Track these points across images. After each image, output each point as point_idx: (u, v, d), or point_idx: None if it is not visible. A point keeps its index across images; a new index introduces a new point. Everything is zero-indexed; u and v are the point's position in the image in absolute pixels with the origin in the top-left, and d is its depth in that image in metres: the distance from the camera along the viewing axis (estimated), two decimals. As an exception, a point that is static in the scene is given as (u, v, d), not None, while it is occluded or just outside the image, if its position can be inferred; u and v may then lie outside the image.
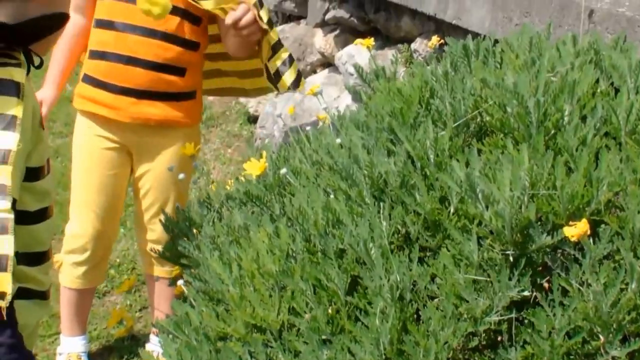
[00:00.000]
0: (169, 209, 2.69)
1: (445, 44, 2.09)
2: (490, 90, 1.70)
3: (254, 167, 1.86)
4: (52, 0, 1.61)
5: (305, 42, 4.64)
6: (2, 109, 1.50)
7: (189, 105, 2.78)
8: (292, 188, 1.85)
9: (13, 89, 1.52)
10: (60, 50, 2.80)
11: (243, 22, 2.56)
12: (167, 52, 2.65)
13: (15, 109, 1.50)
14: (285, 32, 4.77)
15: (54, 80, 2.84)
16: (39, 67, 1.69)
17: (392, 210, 1.52)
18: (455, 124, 1.67)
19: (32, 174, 1.60)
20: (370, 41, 2.23)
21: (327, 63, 4.54)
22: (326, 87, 4.29)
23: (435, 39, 2.14)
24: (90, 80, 2.72)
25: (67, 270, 2.88)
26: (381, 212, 1.51)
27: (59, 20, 1.64)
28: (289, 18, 5.00)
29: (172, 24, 2.62)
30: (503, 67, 1.91)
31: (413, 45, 3.41)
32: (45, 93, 2.81)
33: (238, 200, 1.99)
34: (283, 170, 1.89)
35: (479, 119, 1.73)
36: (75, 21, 2.69)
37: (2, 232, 1.45)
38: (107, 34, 2.66)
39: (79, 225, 2.82)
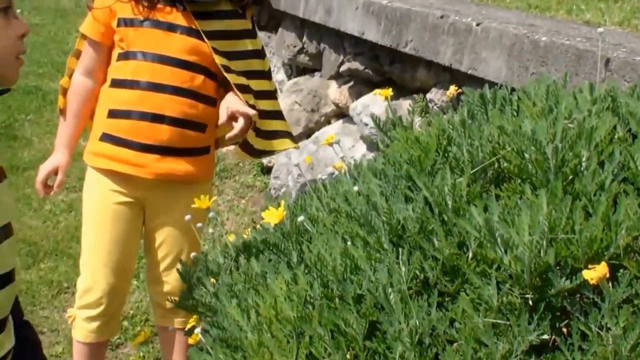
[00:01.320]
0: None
1: (462, 93, 2.10)
2: (507, 137, 1.70)
3: (272, 216, 1.86)
4: None
5: (320, 94, 4.68)
6: None
7: (207, 159, 2.83)
8: (310, 235, 1.85)
9: None
10: (71, 114, 2.85)
11: (236, 131, 2.63)
12: (193, 109, 2.70)
13: None
14: (299, 84, 4.82)
15: (66, 144, 2.88)
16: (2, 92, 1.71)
17: (411, 255, 1.52)
18: (473, 171, 1.68)
19: None
20: (389, 91, 2.24)
21: (342, 114, 4.57)
22: (340, 137, 4.31)
23: (452, 89, 2.15)
24: (110, 139, 2.73)
25: (81, 325, 2.88)
26: (400, 257, 1.50)
27: None
28: (303, 70, 5.05)
29: (197, 81, 2.67)
30: (520, 115, 1.92)
31: (428, 95, 3.43)
32: (60, 159, 2.86)
33: (255, 248, 1.99)
34: (300, 218, 1.89)
35: (496, 166, 1.73)
36: (85, 85, 2.80)
37: None
38: (129, 93, 2.69)
39: (92, 280, 2.81)
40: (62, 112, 2.89)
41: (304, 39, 4.85)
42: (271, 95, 2.89)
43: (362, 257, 1.55)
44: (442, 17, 3.14)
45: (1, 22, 1.60)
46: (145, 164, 2.70)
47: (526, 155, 1.64)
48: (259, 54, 2.83)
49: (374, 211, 1.65)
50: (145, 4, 2.64)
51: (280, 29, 5.26)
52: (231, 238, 2.21)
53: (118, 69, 2.73)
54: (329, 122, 4.70)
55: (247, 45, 2.77)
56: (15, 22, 1.64)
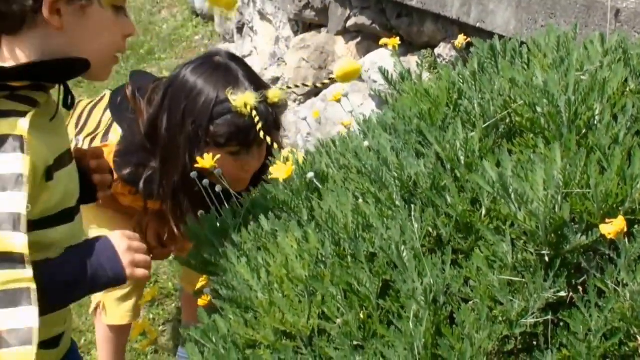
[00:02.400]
0: None
1: (471, 44, 2.07)
2: (519, 90, 1.67)
3: (280, 171, 1.84)
4: (74, 41, 1.60)
5: (327, 50, 4.63)
6: (5, 169, 1.45)
7: None
8: (320, 192, 1.82)
9: (16, 145, 1.47)
10: None
11: None
12: None
13: (21, 167, 1.46)
14: (306, 40, 4.76)
15: None
16: (70, 106, 1.70)
17: (423, 212, 1.50)
18: (485, 125, 1.65)
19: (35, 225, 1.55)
20: (396, 41, 2.21)
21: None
22: (349, 94, 4.27)
23: (462, 38, 2.11)
24: None
25: (114, 308, 2.88)
26: (412, 214, 1.48)
27: (81, 66, 1.63)
28: (309, 26, 4.99)
29: None
30: (531, 67, 1.89)
31: (437, 51, 3.38)
32: None
33: (264, 206, 1.97)
34: (310, 175, 1.86)
35: (508, 120, 1.70)
36: None
37: (27, 303, 1.42)
38: None
39: None
40: None
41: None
42: None
43: (373, 214, 1.54)
44: (449, -32, 3.09)
45: (112, 18, 1.64)
46: None
47: (538, 109, 1.61)
48: None
49: (385, 167, 1.63)
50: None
51: (285, -17, 5.21)
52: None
53: None
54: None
55: None
56: (124, 21, 1.67)
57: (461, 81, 1.85)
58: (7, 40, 1.58)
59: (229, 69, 2.39)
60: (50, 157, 1.57)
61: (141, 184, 2.45)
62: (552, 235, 1.35)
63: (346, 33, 4.42)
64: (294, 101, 5.03)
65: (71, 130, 2.61)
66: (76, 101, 2.35)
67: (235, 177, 2.32)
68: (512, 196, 1.37)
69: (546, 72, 1.75)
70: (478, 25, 2.90)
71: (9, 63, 1.58)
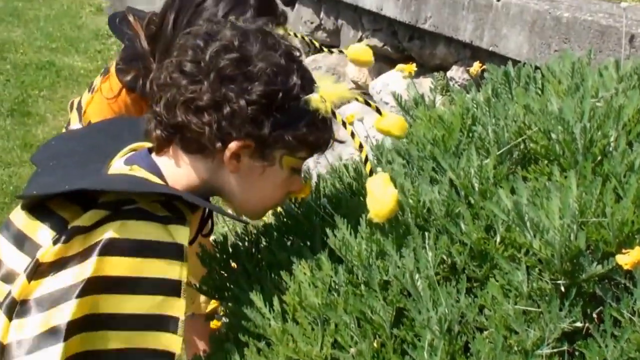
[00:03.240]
0: None
1: (484, 70, 2.07)
2: (534, 117, 1.67)
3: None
4: (240, 187, 1.65)
5: (338, 71, 4.65)
6: (167, 274, 1.51)
7: None
8: (333, 219, 1.82)
9: (177, 254, 1.52)
10: None
11: None
12: None
13: (180, 274, 1.52)
14: (317, 61, 4.79)
15: None
16: (208, 234, 1.79)
17: (437, 240, 1.49)
18: (500, 152, 1.64)
19: None
20: (412, 67, 2.21)
21: (361, 91, 4.54)
22: (361, 115, 4.28)
23: (477, 65, 2.11)
24: None
25: None
26: (426, 242, 1.48)
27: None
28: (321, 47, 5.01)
29: None
30: (545, 93, 1.88)
31: (449, 73, 3.39)
32: None
33: (277, 231, 1.96)
34: (323, 201, 1.86)
35: (522, 146, 1.70)
36: None
37: None
38: None
39: None
40: None
41: (321, 14, 4.81)
42: None
43: (387, 241, 1.53)
44: (461, -8, 3.10)
45: (286, 177, 1.66)
46: None
47: (553, 136, 1.61)
48: None
49: (400, 193, 1.62)
50: None
51: (297, 5, 5.21)
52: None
53: None
54: (348, 101, 4.67)
55: None
56: (295, 179, 1.71)
57: (475, 107, 1.85)
58: (181, 152, 1.62)
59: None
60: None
61: (147, 86, 2.47)
62: (568, 264, 1.34)
63: (358, 55, 4.43)
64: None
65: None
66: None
67: None
68: (528, 224, 1.36)
69: (561, 98, 1.74)
70: (491, 49, 2.90)
71: (172, 163, 1.63)
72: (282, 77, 1.56)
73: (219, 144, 1.56)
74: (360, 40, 4.27)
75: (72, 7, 10.83)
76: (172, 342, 1.52)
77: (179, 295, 1.51)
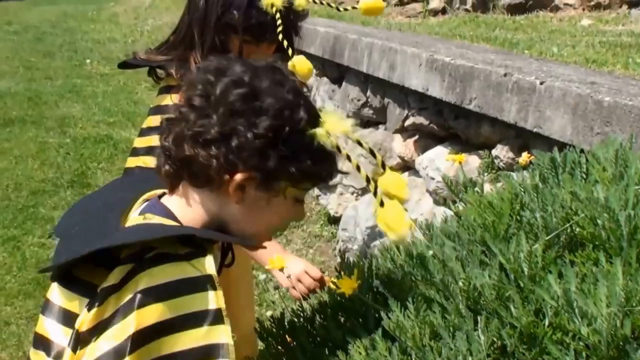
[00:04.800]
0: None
1: (530, 154, 2.14)
2: (580, 204, 1.74)
3: (346, 286, 1.90)
4: (245, 217, 1.68)
5: (385, 147, 4.74)
6: (205, 305, 1.54)
7: None
8: (386, 298, 1.89)
9: (208, 284, 1.56)
10: None
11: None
12: None
13: (217, 302, 1.55)
14: (364, 137, 4.88)
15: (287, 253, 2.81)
16: (230, 264, 1.81)
17: (489, 322, 1.56)
18: (548, 237, 1.72)
19: None
20: (462, 157, 2.30)
21: (407, 166, 4.62)
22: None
23: (525, 156, 2.20)
24: None
25: None
26: (478, 325, 1.55)
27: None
28: (367, 123, 5.12)
29: None
30: (590, 179, 1.96)
31: (494, 152, 3.46)
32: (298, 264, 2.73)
33: (331, 309, 2.04)
34: (376, 283, 1.94)
35: (569, 230, 1.77)
36: None
37: None
38: None
39: None
40: None
41: (368, 93, 4.92)
42: None
43: (441, 324, 1.60)
44: (505, 75, 3.19)
45: (289, 208, 1.71)
46: None
47: (599, 222, 1.68)
48: None
49: (451, 277, 1.70)
50: None
51: (344, 83, 5.35)
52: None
53: None
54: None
55: None
56: (297, 209, 1.75)
57: (523, 191, 1.92)
58: (190, 188, 1.68)
59: None
60: None
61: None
62: (614, 350, 1.40)
63: (404, 131, 4.52)
64: (352, 194, 5.13)
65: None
66: None
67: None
68: (576, 311, 1.43)
69: (606, 186, 1.82)
70: (535, 130, 2.97)
71: (182, 202, 1.68)
72: (288, 112, 1.60)
73: (226, 177, 1.60)
74: (406, 118, 4.36)
75: (128, 83, 11.18)
76: None
77: (222, 322, 1.54)
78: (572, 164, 2.04)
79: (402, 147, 4.55)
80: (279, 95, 1.61)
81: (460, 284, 1.66)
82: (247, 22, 2.54)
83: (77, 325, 1.54)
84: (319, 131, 1.61)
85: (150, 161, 2.70)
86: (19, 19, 14.49)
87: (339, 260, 5.00)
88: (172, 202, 1.70)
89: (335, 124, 1.64)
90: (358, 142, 1.71)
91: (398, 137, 4.62)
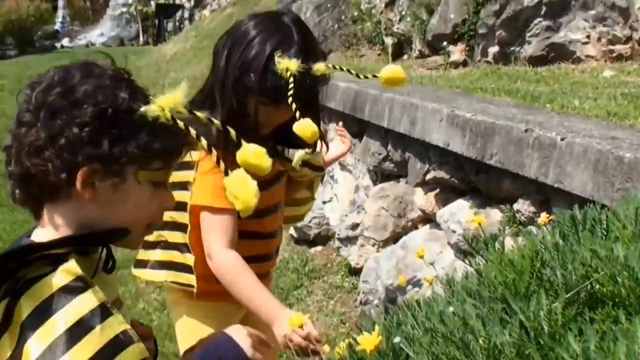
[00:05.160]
0: None
1: (550, 213, 2.16)
2: (600, 262, 1.76)
3: (368, 343, 1.92)
4: (107, 213, 1.66)
5: (406, 200, 4.76)
6: (87, 307, 1.53)
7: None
8: (406, 354, 1.91)
9: (81, 284, 1.55)
10: (259, 286, 2.70)
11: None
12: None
13: (96, 298, 1.54)
14: (385, 190, 4.92)
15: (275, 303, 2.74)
16: (111, 269, 1.75)
17: (510, 381, 1.57)
18: (568, 295, 1.73)
19: None
20: (482, 218, 2.32)
21: (428, 219, 4.64)
22: (428, 243, 4.38)
23: (544, 217, 2.21)
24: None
25: None
26: (499, 383, 1.56)
27: (120, 235, 1.71)
28: (388, 176, 5.15)
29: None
30: (610, 236, 1.97)
31: (515, 206, 3.47)
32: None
33: (351, 365, 2.05)
34: (396, 339, 1.95)
35: (589, 288, 1.78)
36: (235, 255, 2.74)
37: None
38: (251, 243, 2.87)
39: None
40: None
41: (389, 147, 4.96)
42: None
43: (462, 383, 1.61)
44: (526, 131, 3.21)
45: (148, 193, 1.69)
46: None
47: (619, 280, 1.69)
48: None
49: (472, 335, 1.71)
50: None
51: (364, 137, 5.39)
52: (326, 349, 2.28)
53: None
54: (415, 227, 4.77)
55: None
56: (162, 194, 1.73)
57: (543, 248, 1.94)
58: (47, 207, 1.66)
59: (288, 32, 2.64)
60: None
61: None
62: (635, 408, 1.41)
63: (425, 184, 4.55)
64: (373, 245, 5.15)
65: None
66: None
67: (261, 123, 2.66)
68: (596, 370, 1.44)
69: (626, 244, 1.83)
70: (556, 185, 2.99)
71: (47, 228, 1.66)
72: (108, 95, 1.59)
73: (63, 175, 1.58)
74: (427, 172, 4.39)
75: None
76: (138, 350, 1.55)
77: (110, 314, 1.53)
78: (592, 221, 2.05)
79: (423, 200, 4.57)
80: (95, 83, 1.60)
81: (481, 342, 1.68)
82: (263, 85, 2.57)
83: None
84: (149, 108, 1.61)
85: (178, 217, 2.74)
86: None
87: (359, 311, 5.01)
88: (37, 231, 1.69)
89: (165, 99, 1.62)
90: (191, 113, 1.66)
91: (419, 191, 4.65)
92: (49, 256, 1.58)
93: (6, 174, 1.65)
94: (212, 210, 2.68)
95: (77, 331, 1.50)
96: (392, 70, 2.56)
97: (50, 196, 1.64)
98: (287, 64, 2.50)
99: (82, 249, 1.65)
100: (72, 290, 1.53)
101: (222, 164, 1.65)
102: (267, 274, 3.01)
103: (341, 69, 2.65)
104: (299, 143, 2.68)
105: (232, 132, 1.72)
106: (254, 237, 2.84)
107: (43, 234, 1.66)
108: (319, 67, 2.56)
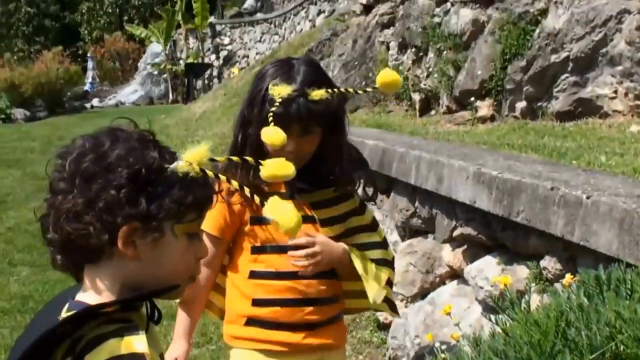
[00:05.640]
0: None
1: (574, 273, 2.20)
2: (624, 324, 1.79)
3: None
4: (150, 269, 1.73)
5: (434, 256, 4.80)
6: None
7: (342, 326, 3.14)
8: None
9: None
10: (189, 304, 3.04)
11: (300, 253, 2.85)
12: (327, 286, 2.98)
13: None
14: (413, 246, 4.95)
15: (184, 334, 3.05)
16: (157, 321, 1.82)
17: None
18: (592, 356, 1.77)
19: None
20: (508, 279, 2.37)
21: (456, 275, 4.67)
22: (456, 298, 4.41)
23: (569, 278, 2.26)
24: (259, 324, 2.95)
25: None
26: None
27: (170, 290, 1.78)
28: (416, 232, 5.19)
29: None
30: (634, 296, 2.01)
31: (542, 263, 3.50)
32: (179, 348, 3.03)
33: None
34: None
35: (614, 349, 1.82)
36: (205, 275, 2.94)
37: None
38: (273, 283, 2.93)
39: None
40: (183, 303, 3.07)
41: (416, 203, 5.01)
42: (389, 263, 3.10)
43: None
44: (552, 189, 3.25)
45: (184, 246, 1.75)
46: (294, 341, 2.92)
47: (643, 341, 1.73)
48: (369, 227, 3.13)
49: (498, 395, 1.75)
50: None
51: (392, 194, 5.44)
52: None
53: (254, 262, 2.95)
54: (443, 283, 4.80)
55: (354, 223, 3.08)
56: (197, 246, 1.79)
57: (569, 309, 1.98)
58: (90, 270, 1.74)
59: (294, 68, 2.79)
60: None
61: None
62: None
63: (452, 241, 4.58)
64: (401, 301, 5.17)
65: None
66: None
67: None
68: None
69: (649, 305, 1.87)
70: (582, 243, 3.02)
71: (90, 292, 1.73)
72: (139, 157, 1.67)
73: (105, 236, 1.64)
74: (454, 229, 4.43)
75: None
76: None
77: None
78: (617, 282, 2.09)
79: (450, 256, 4.61)
80: (124, 146, 1.68)
81: (508, 402, 1.71)
82: (260, 115, 2.73)
83: None
84: (178, 164, 1.69)
85: None
86: (71, 133, 14.83)
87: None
88: (83, 293, 1.75)
89: (192, 154, 1.70)
90: (228, 159, 1.85)
91: (447, 247, 4.68)
92: (104, 314, 1.64)
93: (46, 243, 1.72)
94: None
95: None
96: (386, 74, 2.64)
97: (92, 258, 1.70)
98: (280, 89, 2.62)
99: (131, 306, 1.72)
100: None
101: (256, 197, 1.73)
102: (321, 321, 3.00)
103: (340, 91, 2.73)
104: (323, 183, 2.89)
105: (249, 159, 1.84)
106: (257, 276, 2.94)
107: (91, 296, 1.72)
108: (317, 92, 2.66)
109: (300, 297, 2.92)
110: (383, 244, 3.15)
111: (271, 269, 2.92)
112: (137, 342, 1.61)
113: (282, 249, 2.88)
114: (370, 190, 3.18)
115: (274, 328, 2.92)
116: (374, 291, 3.01)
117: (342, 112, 2.95)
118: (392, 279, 3.13)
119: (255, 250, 2.94)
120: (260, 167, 1.79)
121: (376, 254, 3.09)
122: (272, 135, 2.39)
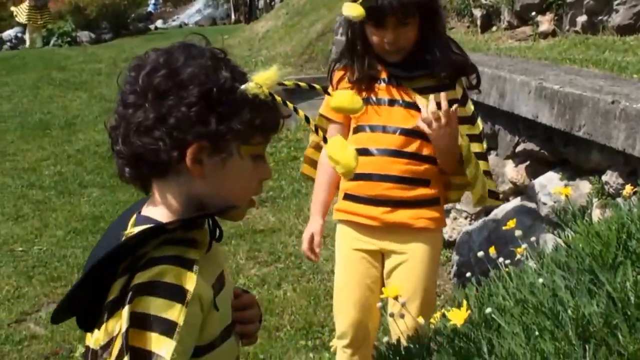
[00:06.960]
0: (416, 303, 3.10)
1: (635, 185, 2.20)
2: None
3: (457, 317, 2.00)
4: (215, 187, 1.74)
5: (497, 172, 4.79)
6: (165, 313, 1.60)
7: (434, 210, 3.18)
8: (498, 324, 1.98)
9: (180, 296, 1.62)
10: (322, 187, 3.35)
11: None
12: (413, 166, 3.10)
13: (179, 316, 1.61)
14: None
15: (319, 212, 3.35)
16: (219, 239, 1.84)
17: (597, 351, 1.64)
18: (653, 267, 1.79)
19: (200, 351, 1.71)
20: (569, 190, 2.37)
21: (519, 191, 4.66)
22: (519, 215, 4.41)
23: (629, 188, 2.26)
24: (351, 197, 3.21)
25: (339, 353, 3.30)
26: (587, 353, 1.63)
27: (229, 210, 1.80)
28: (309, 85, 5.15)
29: (414, 145, 3.08)
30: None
31: (603, 178, 3.49)
32: (314, 226, 3.33)
33: (446, 336, 2.14)
34: (488, 310, 2.03)
35: (675, 259, 1.83)
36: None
37: None
38: (363, 159, 2.95)
39: (338, 314, 3.31)
40: (306, 176, 3.58)
41: (478, 120, 4.98)
42: (483, 156, 3.29)
43: (551, 352, 1.68)
44: (613, 102, 3.23)
45: (250, 167, 1.76)
46: (376, 215, 3.12)
47: None
48: (470, 119, 3.22)
49: (561, 305, 1.78)
50: (364, 87, 3.10)
51: (454, 110, 5.41)
52: (421, 320, 2.38)
53: (354, 141, 3.08)
54: (507, 200, 4.79)
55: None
56: (261, 167, 1.80)
57: (630, 221, 1.99)
58: (157, 184, 1.76)
59: None
60: (209, 291, 1.71)
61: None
62: None
63: (515, 157, 4.57)
64: (466, 218, 5.20)
65: None
66: None
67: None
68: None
69: None
70: (643, 157, 3.01)
71: (156, 207, 1.76)
72: (212, 76, 1.67)
73: (175, 153, 1.66)
74: (517, 144, 4.42)
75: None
76: None
77: (171, 337, 1.59)
78: (679, 193, 2.09)
79: (513, 172, 4.59)
80: (197, 64, 1.69)
81: (570, 312, 1.74)
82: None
83: (91, 345, 1.68)
84: (249, 85, 1.69)
85: None
86: (135, 55, 14.84)
87: (454, 282, 5.06)
88: (149, 207, 1.79)
89: (262, 76, 1.69)
90: (296, 84, 1.78)
91: (510, 163, 4.67)
92: (167, 231, 1.69)
93: (114, 154, 1.75)
94: (320, 118, 3.29)
95: (143, 319, 1.60)
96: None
97: (160, 173, 1.73)
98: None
99: (194, 223, 1.76)
100: (168, 293, 1.62)
101: (320, 132, 1.76)
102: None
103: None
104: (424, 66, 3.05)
105: (317, 86, 1.83)
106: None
107: (157, 211, 1.77)
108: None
109: (381, 173, 3.08)
110: (479, 137, 3.27)
111: (362, 146, 3.05)
112: (186, 278, 1.64)
113: (373, 128, 3.10)
114: (474, 79, 3.25)
115: (360, 202, 3.14)
116: (479, 187, 3.20)
117: (436, 3, 3.07)
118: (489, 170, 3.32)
119: (355, 130, 3.16)
120: (329, 97, 1.83)
121: (474, 147, 3.19)
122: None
